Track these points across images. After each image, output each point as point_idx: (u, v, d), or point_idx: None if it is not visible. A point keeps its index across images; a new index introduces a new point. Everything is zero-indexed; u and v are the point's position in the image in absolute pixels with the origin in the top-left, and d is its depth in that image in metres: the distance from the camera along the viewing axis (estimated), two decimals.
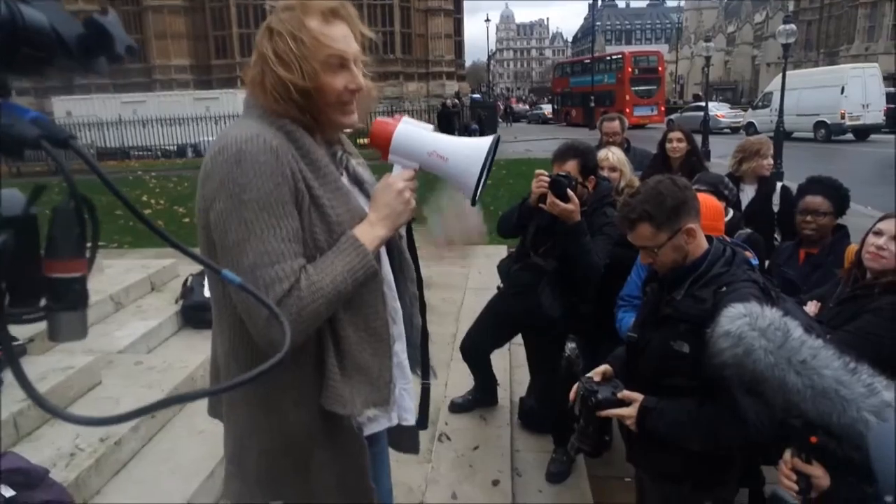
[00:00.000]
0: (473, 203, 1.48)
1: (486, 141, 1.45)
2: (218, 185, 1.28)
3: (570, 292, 3.03)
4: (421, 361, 1.67)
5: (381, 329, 1.48)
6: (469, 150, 1.44)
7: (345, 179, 1.49)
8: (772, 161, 3.96)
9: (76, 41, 0.52)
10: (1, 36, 0.48)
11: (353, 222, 1.39)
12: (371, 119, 1.64)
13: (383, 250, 1.53)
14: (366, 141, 1.56)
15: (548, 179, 2.81)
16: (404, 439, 1.73)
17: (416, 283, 1.64)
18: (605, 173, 3.49)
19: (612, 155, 3.70)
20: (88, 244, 0.59)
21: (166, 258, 5.41)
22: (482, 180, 1.43)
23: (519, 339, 3.74)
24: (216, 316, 1.47)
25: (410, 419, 1.63)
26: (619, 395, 1.91)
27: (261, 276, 1.25)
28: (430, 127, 1.50)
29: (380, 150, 1.47)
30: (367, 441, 1.49)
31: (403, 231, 1.60)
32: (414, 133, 1.46)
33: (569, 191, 2.77)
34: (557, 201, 2.77)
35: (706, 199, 2.55)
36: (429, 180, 1.61)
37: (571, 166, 2.94)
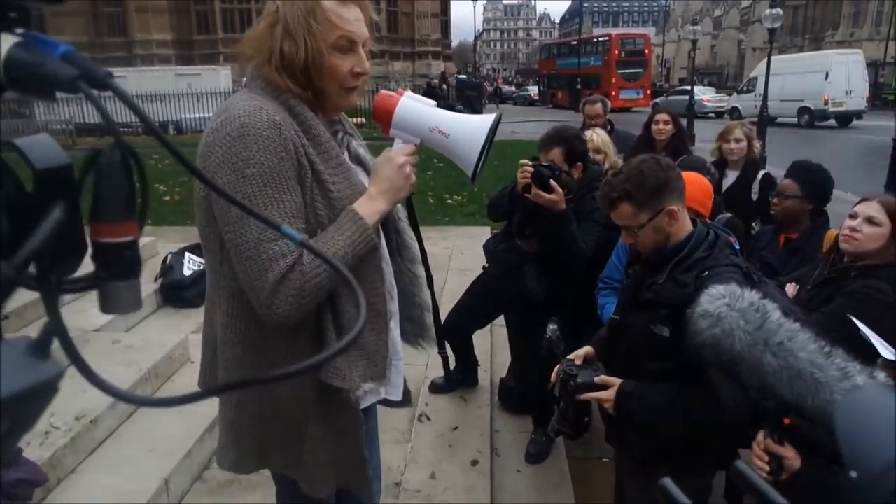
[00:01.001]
0: (473, 180, 1.48)
1: (489, 119, 1.45)
2: (221, 160, 1.26)
3: (555, 275, 3.03)
4: (436, 334, 1.76)
5: (379, 305, 1.49)
6: (471, 128, 1.44)
7: (344, 155, 1.49)
8: (742, 144, 3.92)
9: None
10: None
11: (354, 198, 1.40)
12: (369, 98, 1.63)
13: (381, 228, 1.53)
14: (360, 120, 1.54)
15: (531, 170, 2.79)
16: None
17: (416, 261, 1.65)
18: (590, 155, 3.48)
19: (597, 136, 3.69)
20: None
21: (146, 236, 5.34)
22: (483, 158, 1.43)
23: (500, 320, 3.75)
24: (212, 286, 1.47)
25: (396, 395, 1.66)
26: (597, 379, 1.91)
27: (264, 252, 1.26)
28: (433, 103, 1.50)
29: (381, 124, 1.47)
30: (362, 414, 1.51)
31: (402, 214, 1.62)
32: (416, 108, 1.45)
33: (552, 181, 2.75)
34: (542, 192, 2.77)
35: (696, 178, 2.56)
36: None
37: (556, 154, 2.92)
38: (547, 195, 2.77)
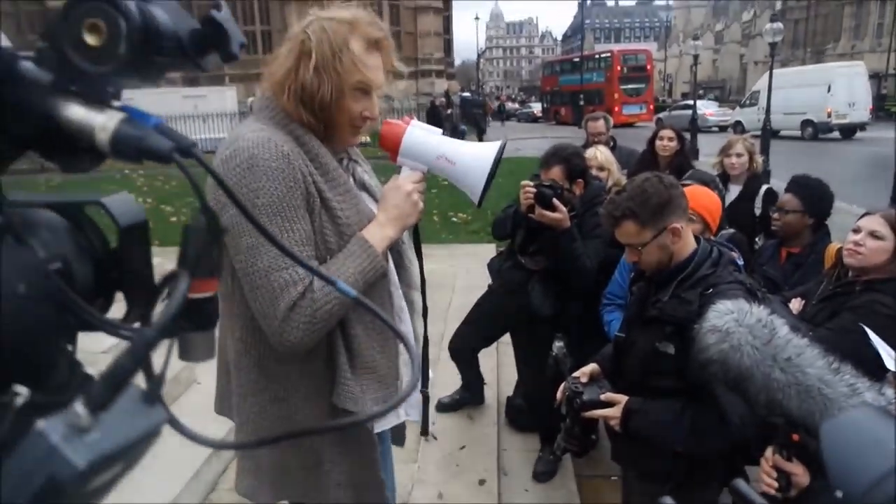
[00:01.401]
0: (479, 206, 1.52)
1: (494, 147, 1.49)
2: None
3: (561, 291, 3.03)
4: (422, 370, 1.69)
5: (387, 330, 1.50)
6: (477, 156, 1.47)
7: (351, 182, 1.52)
8: (744, 159, 3.93)
9: (189, 38, 0.51)
10: (135, 45, 0.47)
11: (362, 224, 1.42)
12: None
13: (388, 254, 1.56)
14: (366, 139, 1.61)
15: (533, 191, 2.81)
16: (393, 431, 1.76)
17: (413, 287, 1.66)
18: (593, 172, 3.50)
19: (601, 154, 3.71)
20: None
21: (154, 257, 5.37)
22: (489, 185, 1.47)
23: (506, 337, 3.74)
24: (224, 314, 1.48)
25: (414, 415, 1.68)
26: (603, 396, 1.91)
27: (275, 280, 1.29)
28: (439, 131, 1.52)
29: (389, 152, 1.50)
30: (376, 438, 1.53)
31: (405, 237, 1.63)
32: (423, 136, 1.49)
33: (555, 200, 2.77)
34: (545, 212, 2.78)
35: (706, 192, 2.59)
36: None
37: (556, 172, 2.94)
38: (551, 214, 2.79)
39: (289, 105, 1.37)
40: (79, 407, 0.39)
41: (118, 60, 0.47)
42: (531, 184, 2.86)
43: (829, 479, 0.54)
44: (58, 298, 0.46)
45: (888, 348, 1.92)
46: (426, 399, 1.72)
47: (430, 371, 1.74)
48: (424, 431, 1.74)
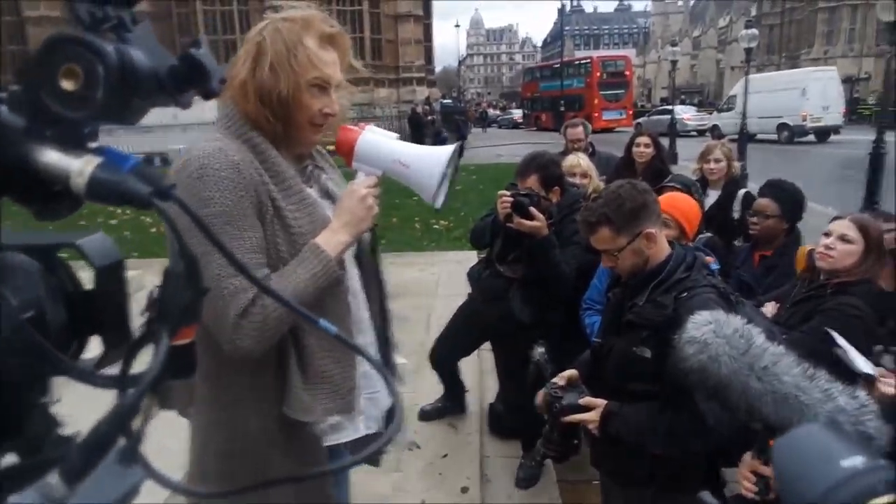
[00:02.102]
0: (438, 209, 1.53)
1: (447, 150, 1.50)
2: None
3: (541, 298, 3.05)
4: (385, 379, 1.64)
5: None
6: (430, 159, 1.49)
7: (314, 193, 1.51)
8: (722, 164, 3.99)
9: (168, 76, 0.50)
10: (113, 90, 0.46)
11: (317, 233, 1.41)
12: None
13: (352, 262, 1.56)
14: (333, 147, 1.60)
15: (510, 200, 2.83)
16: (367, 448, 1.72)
17: (389, 297, 1.67)
18: (576, 179, 3.52)
19: (584, 161, 3.73)
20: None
21: (131, 269, 5.31)
22: (443, 186, 1.48)
23: (487, 344, 3.75)
24: None
25: (375, 427, 1.63)
26: (581, 401, 1.93)
27: (225, 287, 1.28)
28: (395, 135, 1.54)
29: (344, 158, 1.52)
30: (328, 451, 1.50)
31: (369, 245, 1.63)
32: (377, 141, 1.50)
33: (532, 209, 2.79)
34: (523, 221, 2.80)
35: (684, 198, 2.63)
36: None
37: (533, 181, 2.96)
38: (528, 223, 2.80)
39: (250, 107, 1.38)
40: (53, 478, 0.38)
41: (95, 105, 0.46)
42: (508, 193, 2.87)
43: (781, 496, 0.56)
44: (31, 348, 0.45)
45: (856, 352, 1.96)
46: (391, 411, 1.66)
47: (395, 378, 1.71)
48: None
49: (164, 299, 0.50)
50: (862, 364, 1.91)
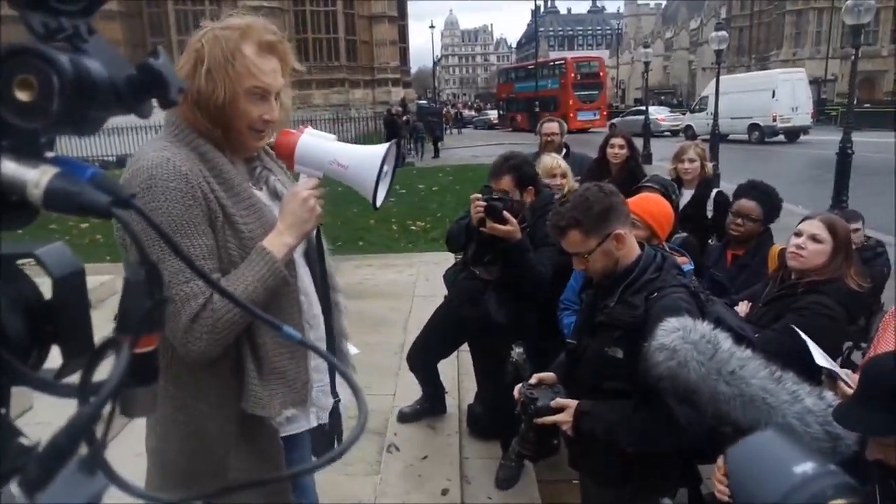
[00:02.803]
0: (375, 207, 1.56)
1: (382, 148, 1.55)
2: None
3: (517, 299, 3.06)
4: (330, 374, 1.68)
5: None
6: (367, 158, 1.53)
7: (263, 195, 1.56)
8: (696, 164, 4.05)
9: (126, 86, 0.49)
10: (69, 100, 0.45)
11: (266, 236, 1.46)
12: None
13: (302, 262, 1.62)
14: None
15: (483, 205, 2.84)
16: (325, 443, 1.75)
17: (339, 289, 1.73)
18: (557, 180, 3.53)
19: (563, 162, 3.75)
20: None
21: (104, 274, 5.23)
22: (379, 184, 1.52)
23: (466, 346, 3.76)
24: None
25: (325, 418, 1.71)
26: (553, 403, 1.94)
27: (176, 294, 1.32)
28: (333, 137, 1.60)
29: (285, 161, 1.56)
30: (286, 445, 1.58)
31: (327, 245, 1.68)
32: (315, 143, 1.54)
33: (505, 213, 2.80)
34: (496, 225, 2.82)
35: (655, 200, 2.65)
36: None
37: (507, 182, 2.96)
38: (502, 227, 2.81)
39: (187, 111, 1.41)
40: (14, 488, 0.38)
41: (51, 116, 0.46)
42: (481, 197, 2.88)
43: (735, 502, 0.58)
44: None
45: (817, 347, 2.00)
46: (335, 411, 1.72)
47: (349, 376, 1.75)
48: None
49: (125, 308, 0.50)
50: (822, 360, 1.96)
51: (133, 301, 0.51)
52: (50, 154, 0.49)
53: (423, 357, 3.64)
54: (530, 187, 3.04)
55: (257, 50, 1.42)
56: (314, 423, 1.67)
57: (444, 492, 3.03)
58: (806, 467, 0.59)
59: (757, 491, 0.57)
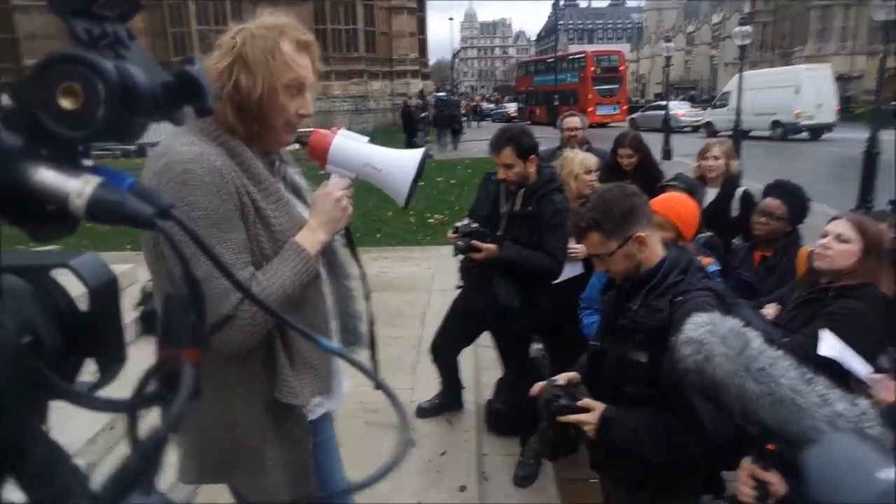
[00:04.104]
0: (406, 207, 1.63)
1: (417, 154, 1.60)
2: None
3: (526, 282, 3.07)
4: (370, 345, 1.77)
5: (322, 325, 1.61)
6: (401, 162, 1.58)
7: (282, 188, 1.59)
8: (721, 162, 3.94)
9: (163, 93, 0.49)
10: (114, 108, 0.44)
11: (295, 230, 1.50)
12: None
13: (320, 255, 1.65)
14: (297, 147, 1.69)
15: (456, 236, 3.03)
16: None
17: (348, 276, 1.76)
18: (592, 176, 3.44)
19: (594, 158, 3.65)
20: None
21: (125, 262, 5.27)
22: (413, 189, 1.57)
23: (485, 340, 3.74)
24: None
25: (338, 405, 1.76)
26: (580, 402, 1.92)
27: (215, 288, 1.32)
28: (365, 139, 1.62)
29: (318, 161, 1.59)
30: (313, 429, 1.63)
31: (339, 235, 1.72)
32: (350, 145, 1.58)
33: (474, 243, 2.99)
34: (473, 255, 3.00)
35: (682, 199, 2.61)
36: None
37: (508, 154, 3.01)
38: (477, 256, 3.00)
39: (220, 109, 1.41)
40: None
41: (96, 125, 0.44)
42: (457, 227, 3.06)
43: None
44: (30, 374, 0.44)
45: (851, 352, 1.96)
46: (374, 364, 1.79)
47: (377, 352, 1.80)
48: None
49: (169, 325, 0.50)
50: (859, 366, 1.91)
51: (176, 317, 0.50)
52: (88, 162, 0.48)
53: (446, 347, 3.64)
54: (532, 156, 3.05)
55: (295, 47, 1.46)
56: (335, 406, 1.74)
57: (462, 489, 3.02)
58: (890, 474, 0.59)
59: (839, 494, 0.57)
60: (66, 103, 0.44)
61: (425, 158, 1.61)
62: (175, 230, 0.50)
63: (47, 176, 0.45)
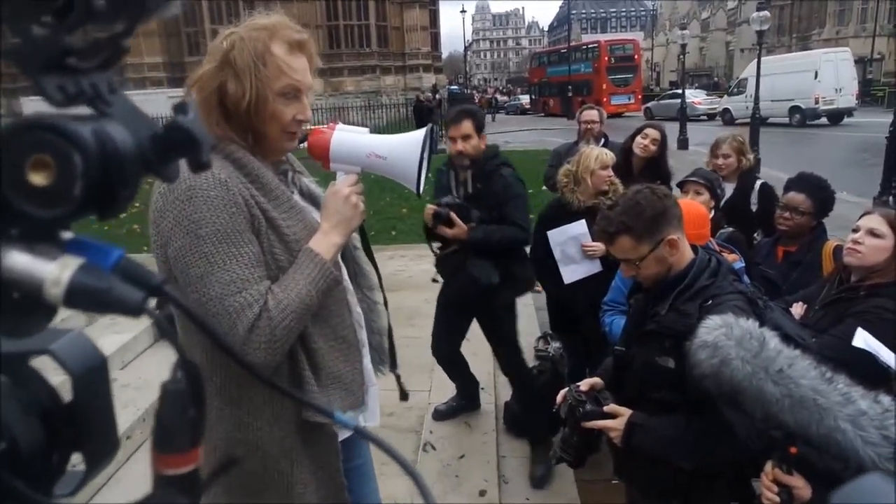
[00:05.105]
0: (419, 194, 1.54)
1: (420, 134, 1.50)
2: (173, 224, 1.29)
3: (500, 257, 3.12)
4: (389, 352, 1.73)
5: (350, 336, 1.54)
6: (405, 146, 1.50)
7: (298, 197, 1.53)
8: (731, 160, 3.79)
9: (152, 149, 0.43)
10: (93, 182, 0.38)
11: (310, 238, 1.43)
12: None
13: (340, 260, 1.57)
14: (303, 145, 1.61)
15: (432, 210, 3.07)
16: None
17: (374, 288, 1.70)
18: (609, 171, 3.34)
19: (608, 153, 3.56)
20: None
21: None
22: (422, 171, 1.49)
23: None
24: (184, 339, 1.44)
25: (373, 420, 1.70)
26: (607, 408, 1.87)
27: (230, 305, 1.28)
28: (365, 129, 1.55)
29: (320, 161, 1.52)
30: (348, 452, 1.58)
31: (357, 242, 1.66)
32: (350, 138, 1.50)
33: (452, 216, 3.03)
34: (445, 228, 3.05)
35: (690, 206, 2.51)
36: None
37: (467, 126, 3.13)
38: (449, 231, 3.05)
39: (210, 119, 1.35)
40: None
41: (73, 202, 0.38)
42: (434, 208, 3.09)
43: None
44: (5, 491, 0.39)
45: (885, 349, 1.89)
46: (398, 378, 1.77)
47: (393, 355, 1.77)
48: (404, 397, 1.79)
49: (164, 421, 0.45)
50: (892, 361, 1.85)
51: (173, 416, 0.45)
52: (67, 234, 0.42)
53: (443, 345, 3.58)
54: (483, 134, 3.22)
55: (287, 49, 1.38)
56: (371, 423, 1.66)
57: (482, 493, 2.99)
58: None
59: None
60: (37, 179, 0.38)
61: (432, 136, 1.52)
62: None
63: (18, 260, 0.39)
